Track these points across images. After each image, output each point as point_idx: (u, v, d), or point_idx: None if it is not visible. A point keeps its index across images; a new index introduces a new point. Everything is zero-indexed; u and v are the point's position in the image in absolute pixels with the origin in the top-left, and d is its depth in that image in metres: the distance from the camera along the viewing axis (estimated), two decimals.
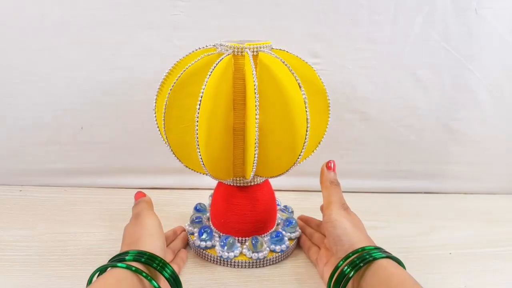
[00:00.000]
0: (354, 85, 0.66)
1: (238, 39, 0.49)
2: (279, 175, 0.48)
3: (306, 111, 0.42)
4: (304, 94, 0.42)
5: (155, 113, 0.48)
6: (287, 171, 0.47)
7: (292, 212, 0.61)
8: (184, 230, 0.56)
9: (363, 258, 0.40)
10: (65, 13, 0.60)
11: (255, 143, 0.43)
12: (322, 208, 0.55)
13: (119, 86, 0.64)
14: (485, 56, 0.65)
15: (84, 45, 0.62)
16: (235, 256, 0.51)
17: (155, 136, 0.51)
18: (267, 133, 0.45)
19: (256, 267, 0.51)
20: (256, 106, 0.42)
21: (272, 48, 0.47)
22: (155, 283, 0.38)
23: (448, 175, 0.72)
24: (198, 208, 0.59)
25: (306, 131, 0.43)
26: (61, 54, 0.62)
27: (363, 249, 0.41)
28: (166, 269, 0.40)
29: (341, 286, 0.41)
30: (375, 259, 0.40)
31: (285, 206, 0.61)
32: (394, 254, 0.42)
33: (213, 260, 0.51)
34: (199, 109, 0.42)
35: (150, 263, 0.40)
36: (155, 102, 0.48)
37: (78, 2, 0.60)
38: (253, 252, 0.50)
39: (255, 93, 0.41)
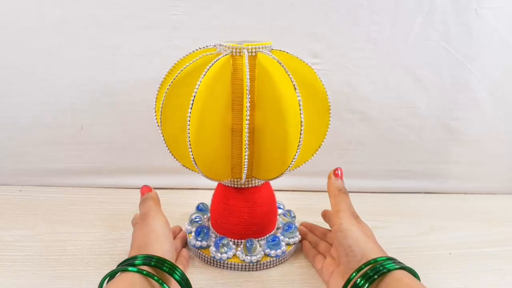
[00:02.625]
0: (354, 85, 0.66)
1: (240, 39, 0.49)
2: (275, 177, 0.47)
3: (301, 113, 0.42)
4: (299, 96, 0.42)
5: (155, 112, 0.49)
6: (282, 174, 0.46)
7: (294, 217, 0.59)
8: (182, 230, 0.56)
9: (377, 270, 0.39)
10: (65, 13, 0.60)
11: (245, 145, 0.43)
12: (324, 215, 0.54)
13: (119, 86, 0.64)
14: (485, 56, 0.65)
15: (84, 45, 0.62)
16: (228, 258, 0.50)
17: (155, 136, 0.51)
18: (262, 135, 0.45)
19: (248, 270, 0.50)
20: (247, 107, 0.42)
21: (272, 49, 0.47)
22: (166, 287, 0.38)
23: (448, 175, 0.72)
24: (200, 208, 0.59)
25: (300, 134, 0.42)
26: (61, 54, 0.62)
27: (375, 260, 0.40)
28: (176, 271, 0.40)
29: None
30: (389, 270, 0.39)
31: (288, 211, 0.59)
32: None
33: (207, 261, 0.51)
34: (191, 109, 0.42)
35: (160, 266, 0.39)
36: (155, 102, 0.48)
37: (78, 2, 0.60)
38: (246, 255, 0.50)
39: (247, 93, 0.42)
